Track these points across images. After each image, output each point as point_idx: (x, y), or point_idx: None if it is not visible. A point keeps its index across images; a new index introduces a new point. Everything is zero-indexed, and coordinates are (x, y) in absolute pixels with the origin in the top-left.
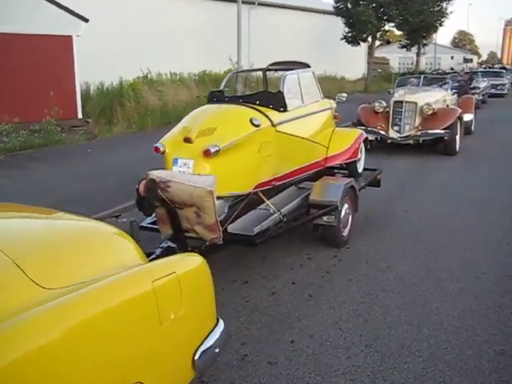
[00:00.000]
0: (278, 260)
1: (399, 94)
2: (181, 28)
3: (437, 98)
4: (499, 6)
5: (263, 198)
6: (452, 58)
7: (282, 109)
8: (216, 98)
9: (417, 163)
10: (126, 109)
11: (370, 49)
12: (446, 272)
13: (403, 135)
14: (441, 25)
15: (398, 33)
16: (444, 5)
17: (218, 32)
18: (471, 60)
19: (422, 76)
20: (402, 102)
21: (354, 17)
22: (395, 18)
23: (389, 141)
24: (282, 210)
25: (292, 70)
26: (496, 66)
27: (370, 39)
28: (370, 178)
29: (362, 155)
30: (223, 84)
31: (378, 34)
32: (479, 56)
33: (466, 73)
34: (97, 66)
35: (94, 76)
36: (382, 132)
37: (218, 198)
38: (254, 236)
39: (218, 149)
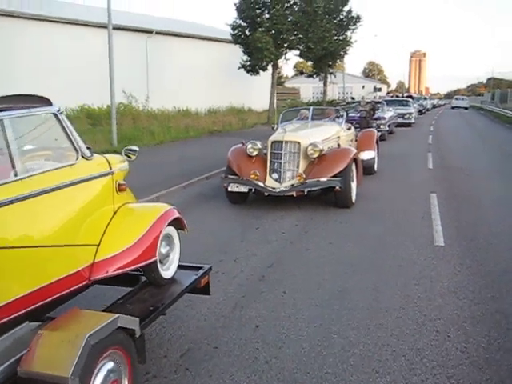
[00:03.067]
0: None
1: (278, 132)
2: (68, 58)
3: (327, 134)
4: (404, 38)
5: None
6: (363, 87)
7: None
8: None
9: (297, 224)
10: None
11: (273, 78)
12: None
13: (284, 185)
14: (345, 53)
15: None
16: (348, 33)
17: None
18: (380, 89)
19: (312, 108)
20: (281, 142)
21: (250, 44)
22: (295, 44)
23: (266, 193)
24: None
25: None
26: (405, 94)
27: (270, 68)
28: (187, 285)
29: (174, 247)
30: None
31: (281, 63)
32: (389, 85)
33: (368, 102)
34: None
35: None
36: (257, 182)
37: None
38: None
39: None
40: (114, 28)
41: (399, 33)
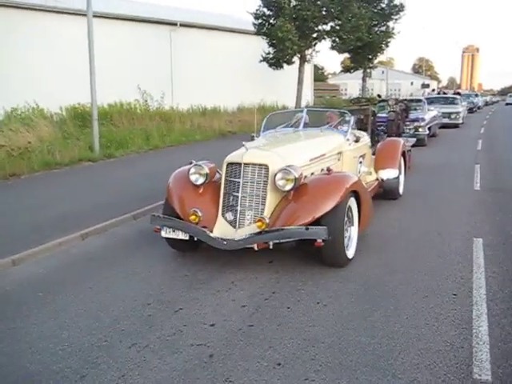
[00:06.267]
0: None
1: (239, 151)
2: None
3: (321, 150)
4: (457, 32)
5: None
6: (412, 83)
7: None
8: None
9: (245, 305)
10: None
11: (300, 73)
12: None
13: (240, 233)
14: (387, 45)
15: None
16: (390, 24)
17: (124, 56)
18: (428, 85)
19: (305, 110)
20: (239, 164)
21: (273, 34)
22: (323, 35)
23: (214, 244)
24: None
25: None
26: (455, 91)
27: (297, 60)
28: None
29: None
30: None
31: (310, 55)
32: (439, 81)
33: (399, 101)
34: None
35: None
36: (199, 228)
37: None
38: None
39: None
40: (136, 20)
41: (451, 27)
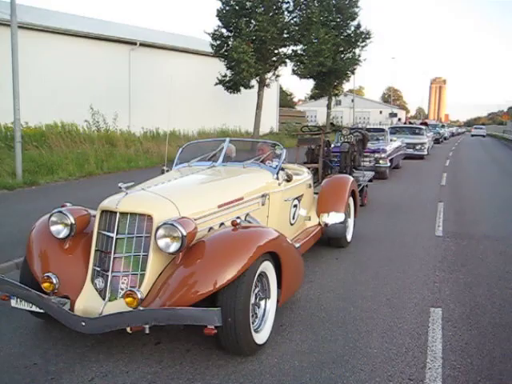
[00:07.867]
0: None
1: (117, 195)
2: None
3: (235, 194)
4: (425, 64)
5: None
6: (381, 112)
7: None
8: None
9: None
10: None
11: (259, 98)
12: None
13: (109, 307)
14: (352, 72)
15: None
16: (357, 51)
17: (79, 75)
18: (396, 114)
19: (228, 140)
20: (114, 213)
21: (229, 55)
22: (283, 58)
23: (69, 325)
24: None
25: None
26: (422, 121)
27: (255, 84)
28: None
29: None
30: None
31: (270, 79)
32: (407, 111)
33: (355, 130)
34: None
35: None
36: (54, 300)
37: None
38: None
39: None
40: (93, 38)
41: (420, 59)
